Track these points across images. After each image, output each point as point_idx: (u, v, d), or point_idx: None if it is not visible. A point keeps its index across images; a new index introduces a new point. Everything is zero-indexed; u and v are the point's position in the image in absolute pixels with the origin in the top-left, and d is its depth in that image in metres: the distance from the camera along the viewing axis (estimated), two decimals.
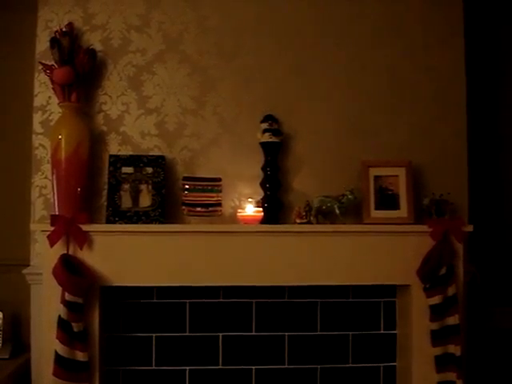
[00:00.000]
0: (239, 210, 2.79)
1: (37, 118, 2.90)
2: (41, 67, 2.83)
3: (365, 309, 2.96)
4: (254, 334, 2.91)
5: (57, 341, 2.54)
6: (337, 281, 2.76)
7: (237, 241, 2.68)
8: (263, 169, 2.87)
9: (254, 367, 2.92)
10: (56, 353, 2.53)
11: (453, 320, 2.72)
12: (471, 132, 3.10)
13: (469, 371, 2.92)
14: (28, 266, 2.87)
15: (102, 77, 2.92)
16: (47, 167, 2.84)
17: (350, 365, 2.96)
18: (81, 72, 2.76)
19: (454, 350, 2.71)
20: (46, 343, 2.59)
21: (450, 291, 2.73)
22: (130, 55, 2.93)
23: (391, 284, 2.87)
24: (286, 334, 2.93)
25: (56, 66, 2.76)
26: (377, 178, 2.87)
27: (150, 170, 2.79)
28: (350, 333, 2.96)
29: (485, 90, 3.42)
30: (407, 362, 2.83)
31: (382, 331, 2.97)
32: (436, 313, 2.73)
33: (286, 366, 2.93)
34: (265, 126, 2.85)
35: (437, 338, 2.73)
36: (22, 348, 3.08)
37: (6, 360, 2.97)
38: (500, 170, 3.45)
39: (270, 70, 2.98)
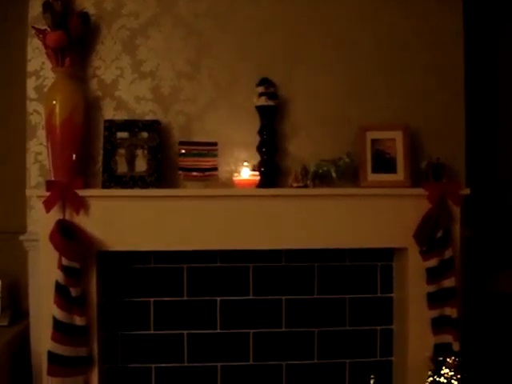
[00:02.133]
0: (235, 174, 2.77)
1: (30, 83, 2.87)
2: (34, 32, 2.78)
3: (362, 272, 2.98)
4: (251, 297, 2.93)
5: (55, 306, 2.55)
6: (334, 244, 2.77)
7: (234, 205, 2.68)
8: (259, 133, 2.85)
9: (251, 331, 2.94)
10: (54, 318, 2.55)
11: (449, 283, 2.73)
12: (469, 95, 3.07)
13: (466, 335, 2.94)
14: (25, 233, 2.88)
15: (96, 41, 2.88)
16: (42, 133, 2.82)
17: (347, 328, 2.98)
18: (74, 36, 2.72)
19: (451, 312, 2.72)
20: (44, 309, 2.61)
21: (447, 254, 2.74)
22: (123, 19, 2.88)
23: (388, 247, 2.88)
24: (284, 297, 2.95)
25: (49, 30, 2.72)
26: (374, 141, 2.85)
27: (145, 134, 2.77)
28: (347, 296, 2.98)
29: (484, 53, 3.39)
30: (404, 325, 2.85)
31: (378, 294, 2.99)
32: (432, 275, 2.74)
33: (284, 330, 2.95)
34: (261, 89, 2.81)
35: (433, 300, 2.74)
36: (21, 315, 3.08)
37: (5, 327, 2.98)
38: (498, 133, 3.43)
39: (266, 32, 2.94)
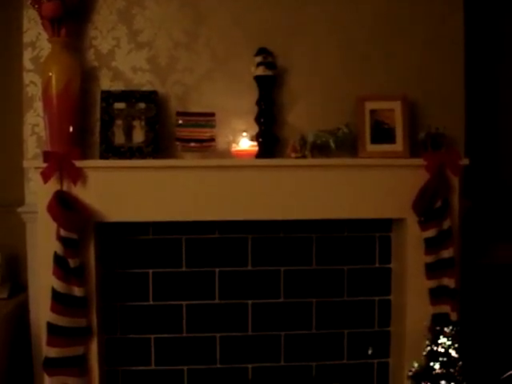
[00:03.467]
0: (233, 145, 2.76)
1: (27, 54, 2.84)
2: (29, 2, 2.73)
3: (360, 243, 2.98)
4: (249, 268, 2.93)
5: (53, 277, 2.55)
6: (332, 215, 2.76)
7: (232, 175, 2.67)
8: (258, 103, 2.82)
9: (250, 301, 2.94)
10: (53, 289, 2.55)
11: (447, 253, 2.74)
12: (469, 65, 3.04)
13: (464, 306, 2.95)
14: (23, 205, 2.87)
15: (92, 11, 2.83)
16: (39, 105, 2.80)
17: (345, 298, 2.99)
18: (69, 6, 2.67)
19: (448, 282, 2.74)
20: (43, 280, 2.61)
21: (445, 224, 2.74)
22: None
23: (386, 218, 2.87)
24: (282, 268, 2.95)
25: (44, 0, 2.68)
26: (372, 111, 2.83)
27: (142, 105, 2.74)
28: (346, 267, 2.98)
29: (485, 24, 3.36)
30: (402, 296, 2.87)
31: (376, 265, 2.99)
32: (431, 246, 2.74)
33: (282, 300, 2.96)
34: (259, 59, 2.78)
35: (431, 270, 2.76)
36: (20, 287, 3.09)
37: (5, 300, 2.99)
38: (498, 104, 3.42)
39: (264, 1, 2.89)
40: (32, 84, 2.84)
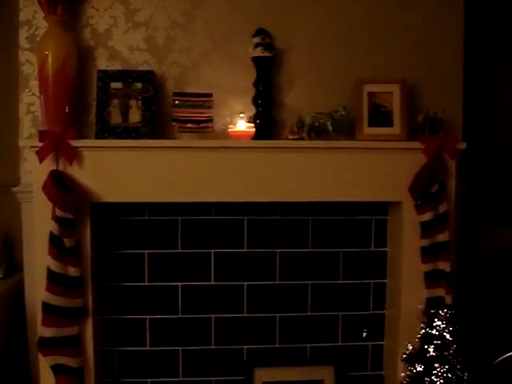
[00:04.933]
0: (230, 126, 2.75)
1: (23, 33, 2.80)
2: None
3: (356, 226, 2.97)
4: (245, 250, 2.93)
5: (49, 257, 2.54)
6: (328, 197, 2.75)
7: (228, 157, 2.65)
8: (255, 85, 2.81)
9: (245, 283, 2.94)
10: (48, 269, 2.54)
11: (443, 237, 2.74)
12: (468, 50, 3.03)
13: (459, 290, 2.96)
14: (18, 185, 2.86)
15: None
16: (35, 83, 2.77)
17: (341, 281, 2.99)
18: None
19: (444, 266, 2.74)
20: (38, 260, 2.60)
21: (441, 208, 2.74)
22: None
23: (383, 201, 2.87)
24: (278, 250, 2.94)
25: None
26: (370, 94, 2.81)
27: (139, 85, 2.72)
28: (341, 250, 2.98)
29: (484, 7, 3.34)
30: (397, 279, 2.87)
31: (372, 248, 2.99)
32: (426, 229, 2.74)
33: (278, 282, 2.96)
34: (257, 40, 2.76)
35: (426, 254, 2.75)
36: (15, 268, 3.10)
37: (0, 280, 2.99)
38: (496, 89, 3.41)
39: None
40: (28, 63, 2.81)
